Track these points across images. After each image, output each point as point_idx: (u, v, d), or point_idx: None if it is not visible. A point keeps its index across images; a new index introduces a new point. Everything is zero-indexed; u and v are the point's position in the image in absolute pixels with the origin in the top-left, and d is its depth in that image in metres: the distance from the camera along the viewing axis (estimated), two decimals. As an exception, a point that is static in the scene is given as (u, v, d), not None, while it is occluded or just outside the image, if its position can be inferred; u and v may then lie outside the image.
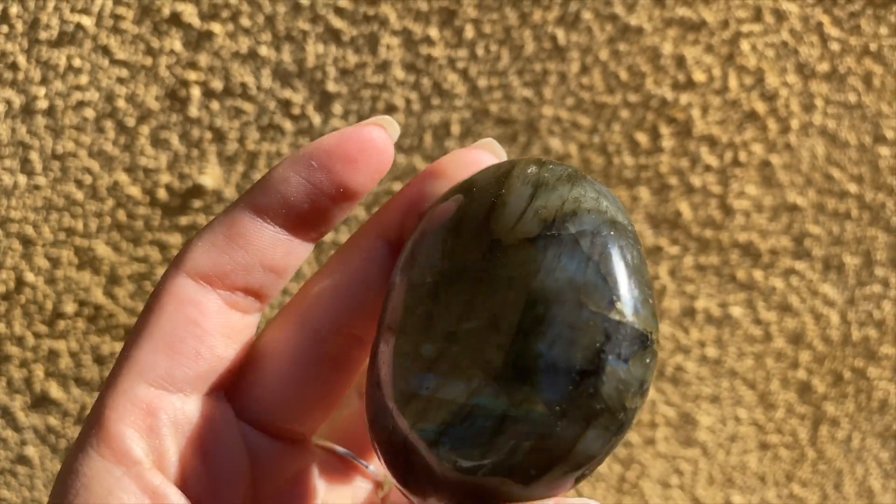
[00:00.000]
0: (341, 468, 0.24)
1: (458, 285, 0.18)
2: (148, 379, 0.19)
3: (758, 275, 0.38)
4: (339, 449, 0.24)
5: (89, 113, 0.32)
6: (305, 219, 0.20)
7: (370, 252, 0.21)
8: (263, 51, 0.32)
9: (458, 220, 0.19)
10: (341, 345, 0.21)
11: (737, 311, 0.39)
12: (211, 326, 0.20)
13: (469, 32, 0.33)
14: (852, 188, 0.37)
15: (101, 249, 0.35)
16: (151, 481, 0.19)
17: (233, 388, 0.21)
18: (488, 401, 0.18)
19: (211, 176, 0.34)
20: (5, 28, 0.30)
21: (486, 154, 0.22)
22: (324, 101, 0.33)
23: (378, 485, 0.25)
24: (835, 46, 0.34)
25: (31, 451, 0.38)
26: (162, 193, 0.34)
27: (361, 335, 0.21)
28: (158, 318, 0.20)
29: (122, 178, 0.34)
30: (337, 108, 0.33)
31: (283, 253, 0.20)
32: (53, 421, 0.37)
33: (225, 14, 0.32)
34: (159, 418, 0.19)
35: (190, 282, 0.20)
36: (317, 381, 0.22)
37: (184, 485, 0.19)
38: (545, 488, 0.18)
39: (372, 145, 0.20)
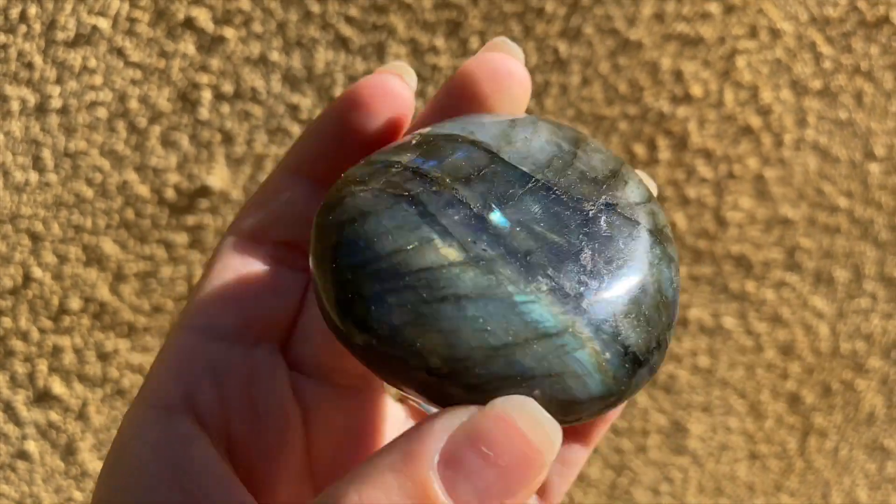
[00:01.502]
0: (405, 414, 0.24)
1: None
2: (193, 328, 0.20)
3: (750, 286, 0.39)
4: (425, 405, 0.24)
5: (102, 113, 0.33)
6: (333, 172, 0.20)
7: None
8: (274, 56, 0.33)
9: None
10: None
11: (729, 322, 0.39)
12: (257, 278, 0.20)
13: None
14: (843, 203, 0.38)
15: (109, 247, 0.35)
16: (176, 428, 0.18)
17: (287, 339, 0.21)
18: None
19: (219, 177, 0.35)
20: (23, 28, 0.31)
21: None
22: (331, 107, 0.34)
23: None
24: (827, 65, 0.35)
25: (31, 446, 0.38)
26: (170, 193, 0.35)
27: None
28: (209, 274, 0.20)
29: (132, 177, 0.34)
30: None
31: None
32: (55, 416, 0.38)
33: (238, 20, 0.32)
34: (198, 364, 0.19)
35: (236, 239, 0.21)
36: None
37: (225, 429, 0.19)
38: None
39: (388, 93, 0.20)
